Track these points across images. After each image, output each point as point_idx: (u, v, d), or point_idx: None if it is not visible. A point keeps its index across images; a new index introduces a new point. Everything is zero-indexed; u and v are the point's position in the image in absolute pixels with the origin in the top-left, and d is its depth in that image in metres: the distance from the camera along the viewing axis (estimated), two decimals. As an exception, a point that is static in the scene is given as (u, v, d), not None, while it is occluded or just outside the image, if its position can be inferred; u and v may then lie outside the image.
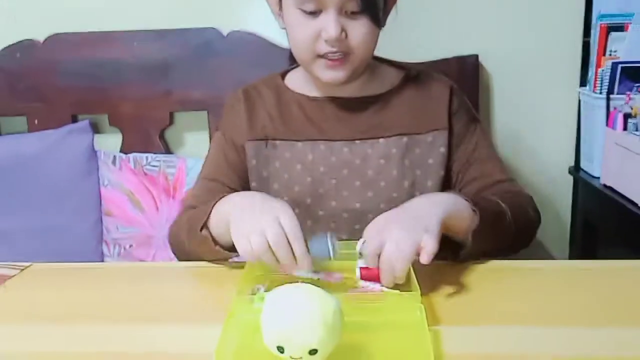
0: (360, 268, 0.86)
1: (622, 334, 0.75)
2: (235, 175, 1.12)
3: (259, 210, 0.85)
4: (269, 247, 0.81)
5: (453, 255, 0.95)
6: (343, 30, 0.99)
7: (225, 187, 1.10)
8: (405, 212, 0.89)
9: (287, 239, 0.81)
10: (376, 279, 0.84)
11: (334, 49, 1.00)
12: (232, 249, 0.89)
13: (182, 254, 1.06)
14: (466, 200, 0.94)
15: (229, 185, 1.11)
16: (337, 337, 0.65)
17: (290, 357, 0.63)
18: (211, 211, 0.94)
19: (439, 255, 0.88)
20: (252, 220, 0.83)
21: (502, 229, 0.97)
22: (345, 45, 1.00)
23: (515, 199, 1.04)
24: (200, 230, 0.95)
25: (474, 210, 0.92)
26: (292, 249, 0.81)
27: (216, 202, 0.95)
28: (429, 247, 0.81)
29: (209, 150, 1.19)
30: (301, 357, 0.63)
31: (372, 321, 0.75)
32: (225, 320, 0.74)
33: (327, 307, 0.65)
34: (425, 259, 0.80)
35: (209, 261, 0.99)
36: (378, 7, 1.00)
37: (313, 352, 0.63)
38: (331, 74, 1.03)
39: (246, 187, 1.13)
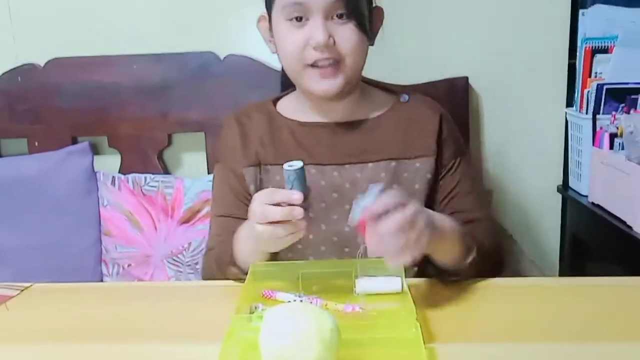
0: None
1: (611, 350, 0.75)
2: (244, 205, 1.11)
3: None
4: (270, 223, 0.83)
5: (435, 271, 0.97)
6: (331, 36, 0.99)
7: (239, 220, 1.08)
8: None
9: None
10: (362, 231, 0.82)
11: (324, 56, 1.00)
12: None
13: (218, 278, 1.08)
14: (461, 231, 0.96)
15: (242, 216, 1.09)
16: (334, 354, 0.65)
17: None
18: (232, 251, 1.00)
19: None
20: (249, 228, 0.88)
21: (484, 264, 0.98)
22: (335, 52, 1.00)
23: (493, 239, 1.05)
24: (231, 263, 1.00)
25: (470, 245, 0.95)
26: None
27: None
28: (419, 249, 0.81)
29: (213, 186, 1.19)
30: None
31: (368, 338, 0.74)
32: (224, 339, 0.74)
33: (324, 325, 0.65)
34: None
35: None
36: (364, 14, 1.01)
37: None
38: (324, 85, 1.02)
39: None
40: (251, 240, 0.92)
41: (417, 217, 0.81)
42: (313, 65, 1.01)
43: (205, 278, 1.10)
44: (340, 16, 0.99)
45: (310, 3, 0.97)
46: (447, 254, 0.93)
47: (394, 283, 0.89)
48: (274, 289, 0.90)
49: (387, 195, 0.81)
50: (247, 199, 1.12)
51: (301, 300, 0.87)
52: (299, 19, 0.99)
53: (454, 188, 1.10)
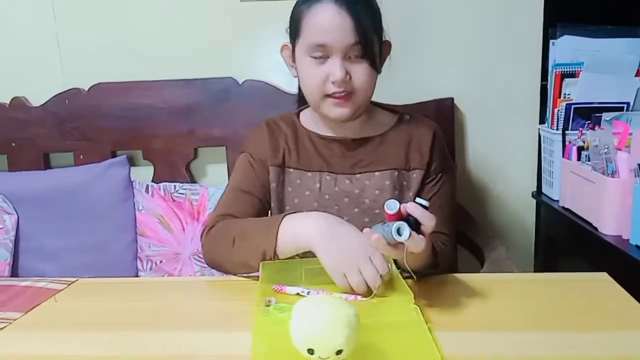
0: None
1: (580, 338, 0.75)
2: (264, 189, 1.11)
3: (350, 247, 0.87)
4: (365, 283, 0.83)
5: None
6: (347, 73, 1.00)
7: (256, 199, 1.09)
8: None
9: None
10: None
11: (340, 89, 1.01)
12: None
13: (218, 259, 1.02)
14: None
15: (259, 197, 1.10)
16: (357, 337, 0.65)
17: (319, 358, 0.63)
18: (277, 234, 0.93)
19: None
20: (346, 256, 0.86)
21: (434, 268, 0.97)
22: (350, 86, 1.01)
23: (443, 252, 1.03)
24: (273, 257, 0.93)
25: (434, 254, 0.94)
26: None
27: (279, 224, 0.93)
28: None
29: (235, 169, 1.16)
30: (329, 357, 0.63)
31: (377, 322, 0.74)
32: (254, 330, 0.74)
33: (349, 311, 0.65)
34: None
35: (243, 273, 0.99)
36: (375, 53, 1.02)
37: (339, 352, 0.63)
38: (338, 111, 1.04)
39: (268, 201, 1.12)
40: (325, 255, 0.88)
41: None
42: (330, 95, 1.02)
43: (208, 247, 1.03)
44: (356, 56, 1.00)
45: (332, 45, 0.99)
46: (415, 264, 0.92)
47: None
48: (283, 284, 0.89)
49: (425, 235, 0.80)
50: (266, 187, 1.12)
51: (308, 293, 0.87)
52: (321, 57, 1.01)
53: (429, 199, 1.08)
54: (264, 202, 1.11)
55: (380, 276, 0.84)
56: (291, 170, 1.12)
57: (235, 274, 1.00)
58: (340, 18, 0.97)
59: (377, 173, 1.10)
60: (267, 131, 1.15)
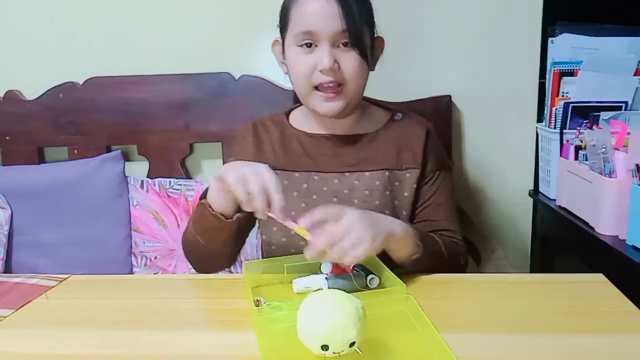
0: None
1: (574, 341, 0.74)
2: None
3: (244, 165, 0.88)
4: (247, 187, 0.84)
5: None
6: (336, 61, 0.98)
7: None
8: (368, 214, 0.89)
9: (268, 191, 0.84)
10: (344, 271, 0.89)
11: (329, 79, 0.99)
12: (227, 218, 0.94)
13: (193, 252, 1.05)
14: (415, 233, 0.94)
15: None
16: (367, 327, 0.66)
17: (333, 353, 0.63)
18: (206, 192, 0.97)
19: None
20: (237, 168, 0.87)
21: (437, 264, 0.97)
22: (339, 76, 0.99)
23: (453, 248, 1.04)
24: (200, 199, 0.98)
25: (419, 245, 0.93)
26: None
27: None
28: (358, 253, 0.83)
29: None
30: (342, 350, 0.63)
31: (375, 314, 0.73)
32: (257, 332, 0.73)
33: (357, 304, 0.65)
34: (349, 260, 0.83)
35: (211, 245, 0.99)
36: (365, 43, 1.00)
37: (352, 344, 0.63)
38: (327, 106, 1.02)
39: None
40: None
41: (353, 226, 0.83)
42: (319, 87, 1.01)
43: (185, 245, 1.07)
44: (345, 44, 0.99)
45: (319, 32, 0.97)
46: (400, 252, 0.93)
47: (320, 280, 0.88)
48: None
49: (319, 211, 0.85)
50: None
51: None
52: (309, 45, 0.99)
53: (429, 198, 1.09)
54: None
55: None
56: (277, 171, 1.10)
57: (207, 253, 1.01)
58: (328, 4, 0.96)
59: (367, 173, 1.08)
60: (252, 133, 1.14)
